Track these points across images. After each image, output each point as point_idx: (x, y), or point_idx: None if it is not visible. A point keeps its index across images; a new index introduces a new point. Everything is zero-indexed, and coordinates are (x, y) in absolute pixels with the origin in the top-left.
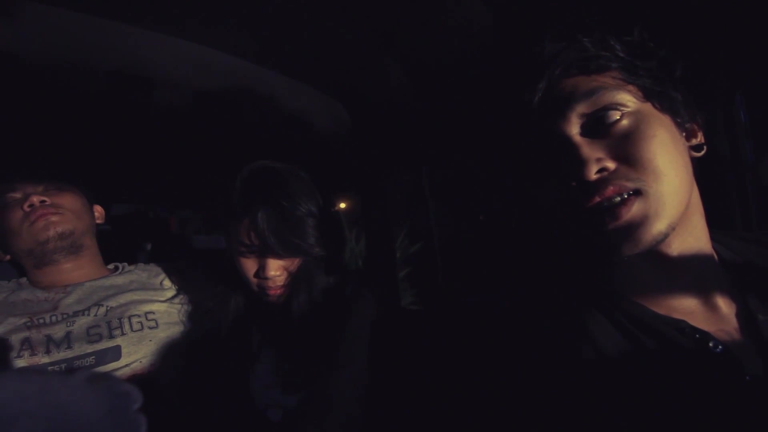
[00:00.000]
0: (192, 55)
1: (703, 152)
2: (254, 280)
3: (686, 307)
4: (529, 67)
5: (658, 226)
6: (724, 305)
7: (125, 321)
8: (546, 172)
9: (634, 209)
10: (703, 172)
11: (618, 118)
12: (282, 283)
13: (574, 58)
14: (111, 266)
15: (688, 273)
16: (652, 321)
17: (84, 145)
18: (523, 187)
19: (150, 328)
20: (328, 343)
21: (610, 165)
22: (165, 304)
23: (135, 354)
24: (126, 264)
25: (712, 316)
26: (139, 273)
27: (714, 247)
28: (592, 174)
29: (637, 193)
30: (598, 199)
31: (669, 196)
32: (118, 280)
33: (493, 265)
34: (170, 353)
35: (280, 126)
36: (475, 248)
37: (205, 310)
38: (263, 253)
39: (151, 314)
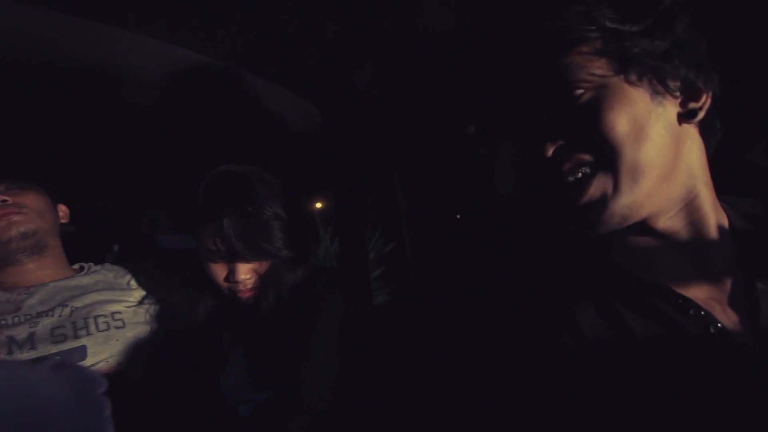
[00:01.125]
0: (164, 54)
1: (698, 117)
2: (224, 284)
3: (684, 280)
4: (509, 54)
5: (622, 202)
6: (725, 276)
7: (91, 321)
8: (520, 155)
9: (594, 188)
10: None
11: (580, 93)
12: (252, 285)
13: (555, 38)
14: (76, 266)
15: (687, 246)
16: (637, 288)
17: (49, 143)
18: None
19: (117, 328)
20: (299, 340)
21: (567, 141)
22: (132, 305)
23: (101, 354)
24: (92, 264)
25: (710, 288)
26: (105, 273)
27: (728, 214)
28: (549, 151)
29: (596, 167)
30: (557, 175)
31: (633, 169)
32: (84, 280)
33: (468, 263)
34: (138, 353)
35: (254, 126)
36: (450, 246)
37: (174, 311)
38: (231, 258)
39: (118, 314)
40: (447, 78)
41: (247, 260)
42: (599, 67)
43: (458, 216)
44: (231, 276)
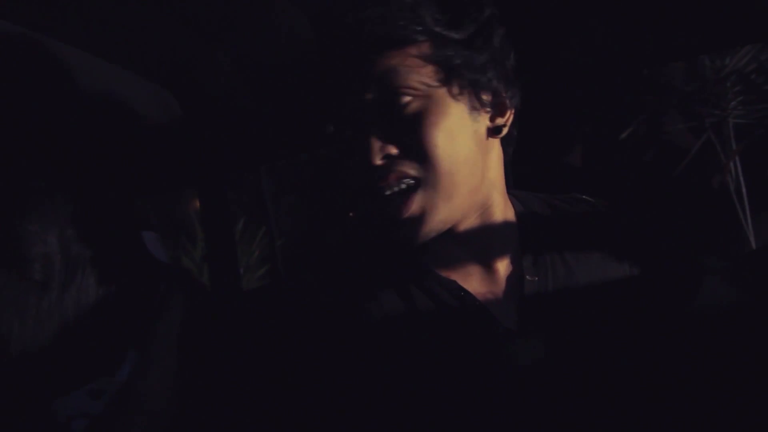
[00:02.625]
0: None
1: (501, 134)
2: None
3: (468, 272)
4: (336, 50)
5: (439, 217)
6: (503, 268)
7: None
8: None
9: (415, 204)
10: None
11: (408, 101)
12: None
13: (378, 34)
14: None
15: (475, 244)
16: (430, 283)
17: None
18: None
19: None
20: (130, 344)
21: (394, 151)
22: None
23: None
24: None
25: (489, 278)
26: None
27: (517, 210)
28: (377, 160)
29: (418, 183)
30: (382, 184)
31: (449, 187)
32: None
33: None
34: None
35: (96, 113)
36: (330, 244)
37: None
38: None
39: None
40: (304, 74)
41: None
42: (427, 75)
43: (351, 215)
44: None
